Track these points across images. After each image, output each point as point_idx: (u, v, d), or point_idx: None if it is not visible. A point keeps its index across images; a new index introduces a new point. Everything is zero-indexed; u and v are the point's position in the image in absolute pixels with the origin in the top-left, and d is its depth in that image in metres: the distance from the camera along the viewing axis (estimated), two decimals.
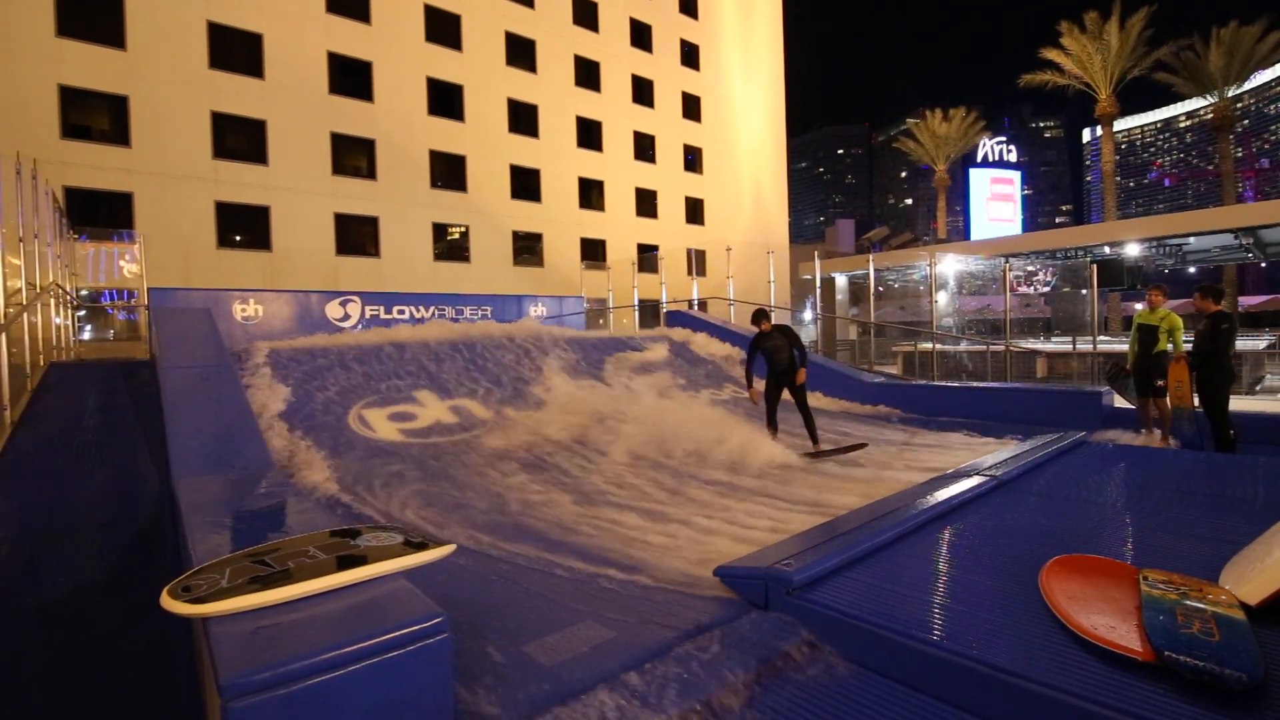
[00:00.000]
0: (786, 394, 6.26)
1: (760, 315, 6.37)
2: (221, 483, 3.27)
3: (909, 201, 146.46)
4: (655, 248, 24.04)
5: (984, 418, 7.11)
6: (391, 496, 4.47)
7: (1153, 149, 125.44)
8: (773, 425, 6.33)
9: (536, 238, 22.49)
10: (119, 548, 3.20)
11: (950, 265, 22.10)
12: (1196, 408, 5.63)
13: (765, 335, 6.22)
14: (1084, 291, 20.76)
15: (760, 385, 6.54)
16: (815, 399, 8.81)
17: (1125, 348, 6.51)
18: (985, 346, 13.68)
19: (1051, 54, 31.81)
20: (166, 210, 15.42)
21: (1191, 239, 21.60)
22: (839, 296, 27.00)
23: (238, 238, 16.67)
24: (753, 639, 2.29)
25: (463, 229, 20.79)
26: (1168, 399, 5.84)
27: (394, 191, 19.16)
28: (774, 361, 6.21)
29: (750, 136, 30.17)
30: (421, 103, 19.81)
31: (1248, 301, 41.96)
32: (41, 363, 6.41)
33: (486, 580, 3.03)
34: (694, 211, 27.68)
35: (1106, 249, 21.90)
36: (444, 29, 20.33)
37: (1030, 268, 23.82)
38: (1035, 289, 23.90)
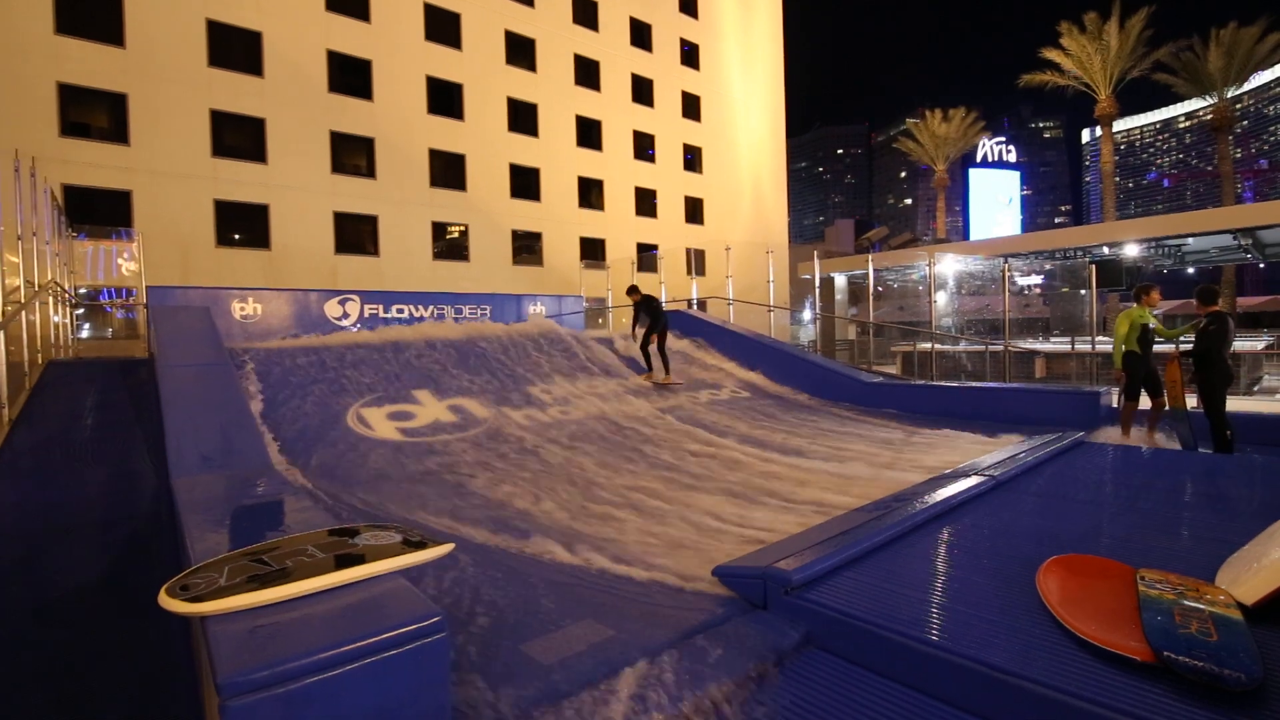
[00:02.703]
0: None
1: (630, 290, 9.19)
2: (220, 481, 3.27)
3: (908, 201, 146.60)
4: (655, 247, 24.05)
5: (982, 418, 7.12)
6: (390, 495, 4.47)
7: (1152, 149, 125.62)
8: (649, 364, 8.80)
9: (536, 237, 22.47)
10: (117, 546, 3.19)
11: (949, 265, 22.10)
12: (1194, 407, 5.64)
13: (638, 304, 8.90)
14: (1083, 292, 20.78)
15: (640, 333, 9.05)
16: (812, 398, 8.83)
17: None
18: (984, 346, 13.70)
19: (1051, 54, 31.83)
20: (165, 208, 15.40)
21: (1190, 240, 21.62)
22: (838, 296, 27.01)
23: (237, 236, 16.65)
24: (751, 638, 2.30)
25: (462, 228, 20.77)
26: (1164, 398, 5.86)
27: (393, 190, 19.14)
28: (652, 321, 8.84)
29: (750, 136, 30.17)
30: (421, 101, 19.79)
31: (1246, 302, 41.99)
32: (40, 361, 6.40)
33: (485, 579, 3.03)
34: (693, 211, 27.67)
35: (1105, 249, 21.92)
36: (444, 27, 20.31)
37: (1028, 268, 23.89)
38: (1032, 288, 23.97)
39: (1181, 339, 6.14)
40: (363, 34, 18.60)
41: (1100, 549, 2.82)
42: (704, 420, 7.27)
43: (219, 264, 16.04)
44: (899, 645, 2.09)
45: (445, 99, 20.35)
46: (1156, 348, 6.09)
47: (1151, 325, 6.05)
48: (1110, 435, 6.15)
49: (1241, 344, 14.46)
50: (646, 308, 8.82)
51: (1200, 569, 2.47)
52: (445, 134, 20.26)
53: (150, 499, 3.65)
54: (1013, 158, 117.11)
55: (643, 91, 25.82)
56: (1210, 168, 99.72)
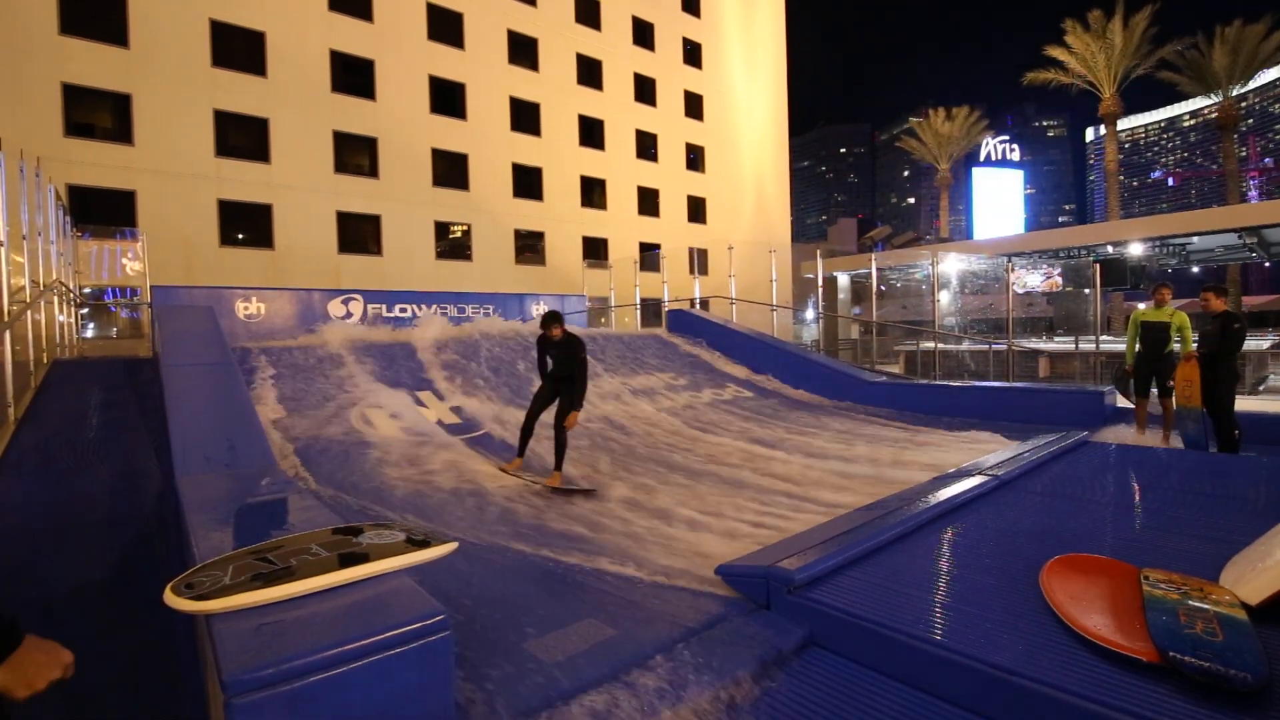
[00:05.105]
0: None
1: (548, 321, 5.18)
2: (224, 480, 3.27)
3: (911, 200, 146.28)
4: (657, 246, 24.02)
5: (986, 417, 7.10)
6: (394, 494, 4.48)
7: (1156, 148, 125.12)
8: (524, 440, 5.27)
9: (538, 236, 22.47)
10: (122, 545, 3.20)
11: (952, 264, 22.05)
12: (1201, 407, 5.61)
13: (554, 343, 5.21)
14: (1087, 291, 20.72)
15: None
16: (814, 397, 8.79)
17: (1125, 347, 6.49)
18: (987, 346, 13.68)
19: (1055, 52, 31.72)
20: (169, 208, 15.43)
21: (1195, 238, 21.54)
22: (841, 296, 26.97)
23: (240, 236, 16.68)
24: (754, 637, 2.30)
25: (465, 227, 20.78)
26: (1174, 398, 5.83)
27: (396, 189, 19.15)
28: (555, 366, 5.30)
29: (752, 135, 30.12)
30: (423, 101, 19.80)
31: (1251, 301, 41.81)
32: (45, 360, 6.42)
33: (488, 578, 3.04)
34: (696, 210, 27.64)
35: (1109, 248, 21.85)
36: (446, 27, 20.31)
37: (1042, 267, 23.85)
38: (1047, 280, 23.87)
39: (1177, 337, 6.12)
40: (365, 34, 18.62)
41: (1104, 548, 2.81)
42: (706, 419, 7.27)
43: (223, 263, 16.07)
44: (902, 645, 2.08)
45: (448, 98, 20.35)
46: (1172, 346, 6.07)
47: (1160, 322, 6.03)
48: (1119, 434, 6.14)
49: (1247, 343, 14.38)
50: (547, 350, 5.33)
51: (1204, 569, 2.47)
52: (448, 133, 20.27)
53: (155, 498, 3.66)
54: (1016, 156, 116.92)
55: (645, 91, 25.79)
56: (1215, 166, 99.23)
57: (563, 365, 5.18)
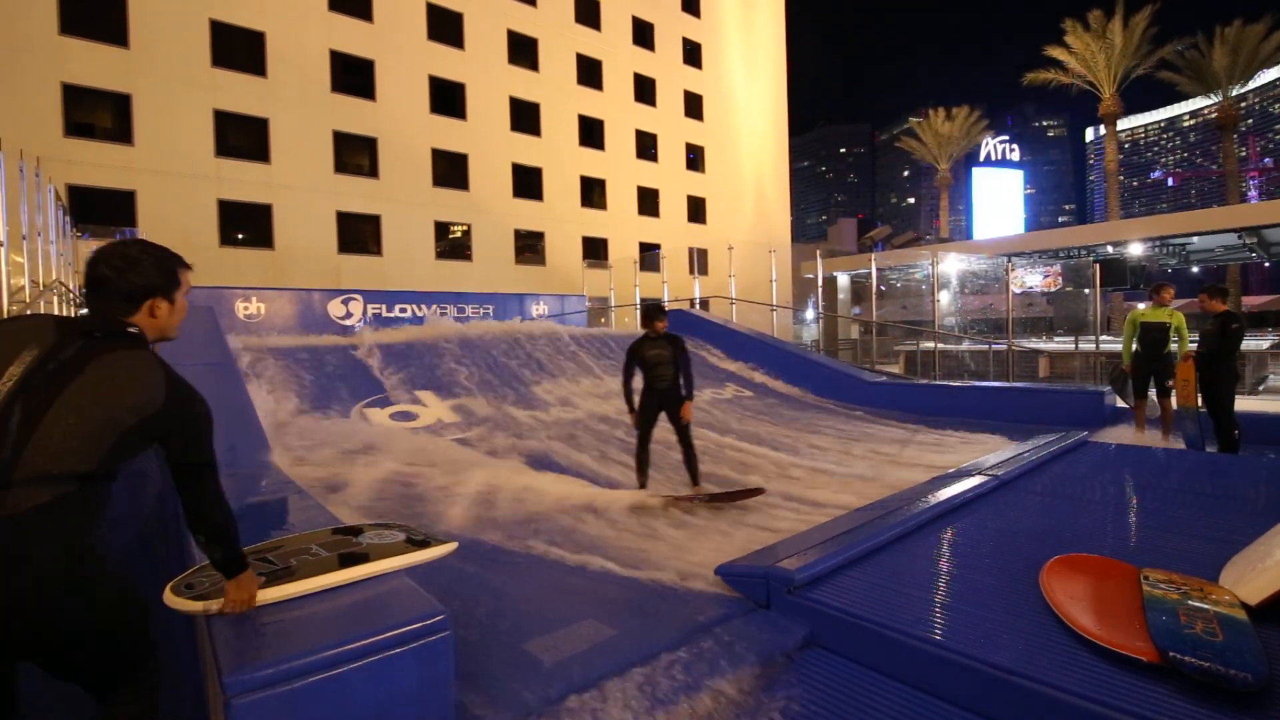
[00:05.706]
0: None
1: (655, 312, 4.71)
2: (224, 480, 3.27)
3: (911, 200, 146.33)
4: (657, 246, 24.02)
5: (985, 417, 7.10)
6: (393, 494, 4.47)
7: (1156, 148, 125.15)
8: (642, 469, 4.69)
9: (538, 236, 22.47)
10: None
11: (952, 264, 22.05)
12: (1200, 407, 5.61)
13: (652, 340, 4.68)
14: (1086, 291, 20.73)
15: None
16: (814, 397, 8.80)
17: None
18: (987, 346, 13.68)
19: (1055, 52, 31.72)
20: (169, 208, 15.43)
21: (1195, 239, 21.53)
22: (841, 296, 26.96)
23: (240, 236, 16.68)
24: (754, 637, 2.29)
25: (465, 227, 20.78)
26: (1173, 398, 5.83)
27: (396, 190, 19.15)
28: (654, 377, 4.64)
29: (752, 135, 30.13)
30: (423, 101, 19.80)
31: (1251, 301, 41.80)
32: None
33: (488, 578, 3.04)
34: (696, 210, 27.64)
35: (1109, 248, 21.85)
36: (446, 27, 20.31)
37: (1040, 268, 23.89)
38: (1046, 280, 23.88)
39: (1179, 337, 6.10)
40: (365, 34, 18.62)
41: (1104, 548, 2.81)
42: (707, 420, 7.27)
43: (222, 264, 16.06)
44: (902, 645, 2.08)
45: (448, 98, 20.35)
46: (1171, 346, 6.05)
47: (1158, 322, 6.01)
48: (1119, 434, 6.14)
49: (1246, 343, 14.37)
50: (642, 354, 4.74)
51: (1204, 569, 2.47)
52: (448, 133, 20.27)
53: (155, 498, 3.65)
54: (1016, 157, 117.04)
55: (645, 91, 25.79)
56: (1215, 166, 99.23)
57: (664, 369, 4.60)
